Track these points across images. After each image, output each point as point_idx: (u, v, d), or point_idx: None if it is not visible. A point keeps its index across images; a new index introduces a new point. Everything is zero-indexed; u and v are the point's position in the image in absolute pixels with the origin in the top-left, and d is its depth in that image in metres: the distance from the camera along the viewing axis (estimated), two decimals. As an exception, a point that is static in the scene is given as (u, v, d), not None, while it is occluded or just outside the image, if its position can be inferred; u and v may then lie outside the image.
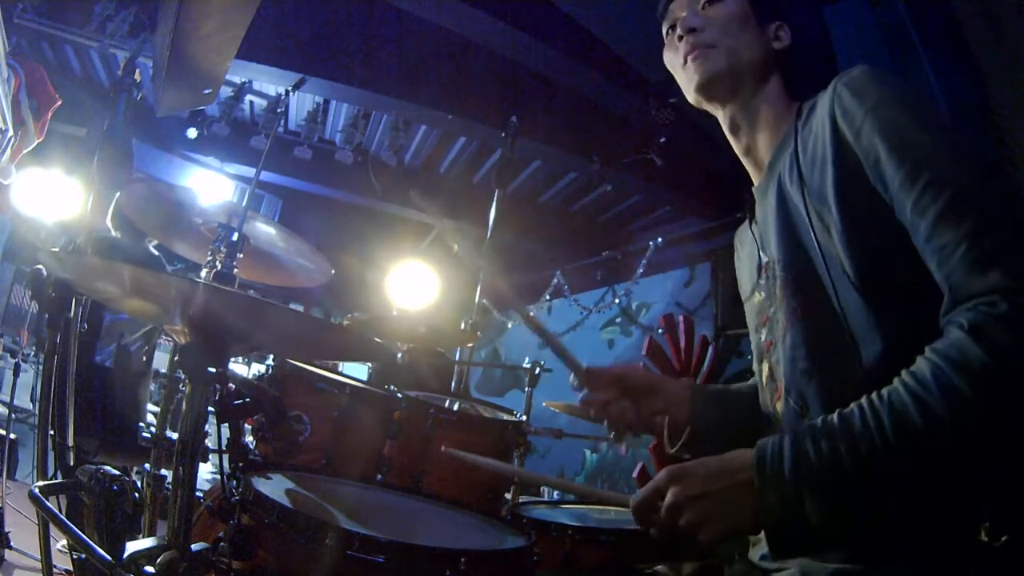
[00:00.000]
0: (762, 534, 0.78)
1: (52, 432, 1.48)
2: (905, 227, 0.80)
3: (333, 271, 1.86)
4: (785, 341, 0.95)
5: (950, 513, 0.78)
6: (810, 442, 0.75)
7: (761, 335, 1.03)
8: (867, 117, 0.83)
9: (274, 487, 1.21)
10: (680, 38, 1.06)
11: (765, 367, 1.02)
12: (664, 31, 1.13)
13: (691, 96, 1.09)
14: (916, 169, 0.78)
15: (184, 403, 0.97)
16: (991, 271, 0.72)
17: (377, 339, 1.97)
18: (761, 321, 1.03)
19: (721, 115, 1.10)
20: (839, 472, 0.73)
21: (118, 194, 1.79)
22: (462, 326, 2.55)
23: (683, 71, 1.08)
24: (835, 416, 0.76)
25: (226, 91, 5.06)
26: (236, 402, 1.03)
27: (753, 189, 1.09)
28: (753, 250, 1.08)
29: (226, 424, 1.06)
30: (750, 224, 1.11)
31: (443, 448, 1.18)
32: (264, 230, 1.81)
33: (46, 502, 1.08)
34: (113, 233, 2.83)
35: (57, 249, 2.12)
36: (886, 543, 0.79)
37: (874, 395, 0.75)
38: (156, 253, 2.95)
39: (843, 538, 0.80)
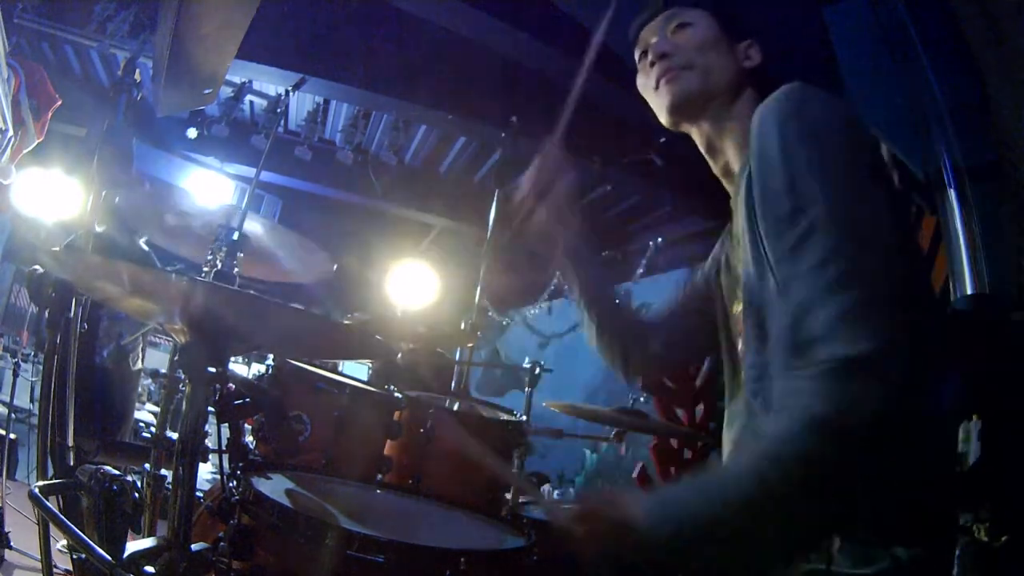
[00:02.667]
0: None
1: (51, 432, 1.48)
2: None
3: (335, 266, 1.85)
4: (749, 357, 0.96)
5: (925, 513, 0.79)
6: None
7: (738, 343, 1.04)
8: (758, 150, 0.86)
9: (274, 487, 1.21)
10: (652, 64, 1.09)
11: (741, 375, 1.03)
12: (636, 57, 1.16)
13: (664, 119, 1.11)
14: (778, 222, 0.81)
15: (184, 403, 0.97)
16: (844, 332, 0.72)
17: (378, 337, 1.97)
18: (738, 331, 1.05)
19: (696, 136, 1.12)
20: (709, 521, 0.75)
21: (104, 192, 1.79)
22: (462, 326, 2.55)
23: (655, 95, 1.10)
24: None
25: (226, 91, 5.05)
26: (236, 402, 1.02)
27: (731, 202, 1.11)
28: (724, 262, 1.12)
29: (226, 424, 1.06)
30: (729, 238, 1.14)
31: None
32: (260, 231, 1.81)
33: (46, 502, 1.07)
34: (97, 229, 2.83)
35: (57, 249, 2.12)
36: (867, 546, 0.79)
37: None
38: (147, 248, 2.95)
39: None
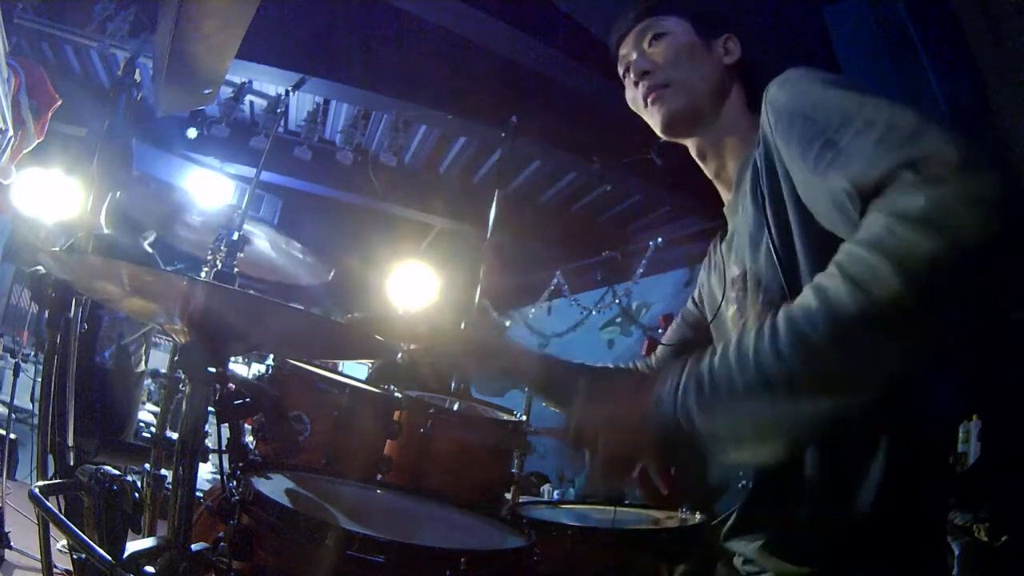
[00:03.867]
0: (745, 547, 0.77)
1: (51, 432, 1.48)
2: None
3: (332, 273, 1.86)
4: None
5: (921, 515, 0.79)
6: (707, 371, 0.70)
7: None
8: (782, 110, 0.83)
9: (274, 487, 1.21)
10: (636, 83, 1.09)
11: None
12: (620, 73, 1.15)
13: (659, 134, 1.12)
14: (811, 124, 0.76)
15: (184, 403, 0.97)
16: (889, 157, 0.65)
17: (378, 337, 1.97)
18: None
19: (689, 144, 1.12)
20: (745, 389, 0.66)
21: (110, 193, 1.79)
22: (462, 326, 2.55)
23: (646, 112, 1.11)
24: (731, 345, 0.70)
25: (226, 91, 5.06)
26: (236, 402, 1.02)
27: (724, 209, 1.11)
28: (721, 269, 1.10)
29: (226, 424, 1.06)
30: (720, 243, 1.13)
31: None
32: (262, 238, 1.80)
33: (46, 502, 1.07)
34: (105, 231, 2.84)
35: (57, 249, 2.12)
36: (859, 548, 0.79)
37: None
38: (151, 251, 2.96)
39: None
